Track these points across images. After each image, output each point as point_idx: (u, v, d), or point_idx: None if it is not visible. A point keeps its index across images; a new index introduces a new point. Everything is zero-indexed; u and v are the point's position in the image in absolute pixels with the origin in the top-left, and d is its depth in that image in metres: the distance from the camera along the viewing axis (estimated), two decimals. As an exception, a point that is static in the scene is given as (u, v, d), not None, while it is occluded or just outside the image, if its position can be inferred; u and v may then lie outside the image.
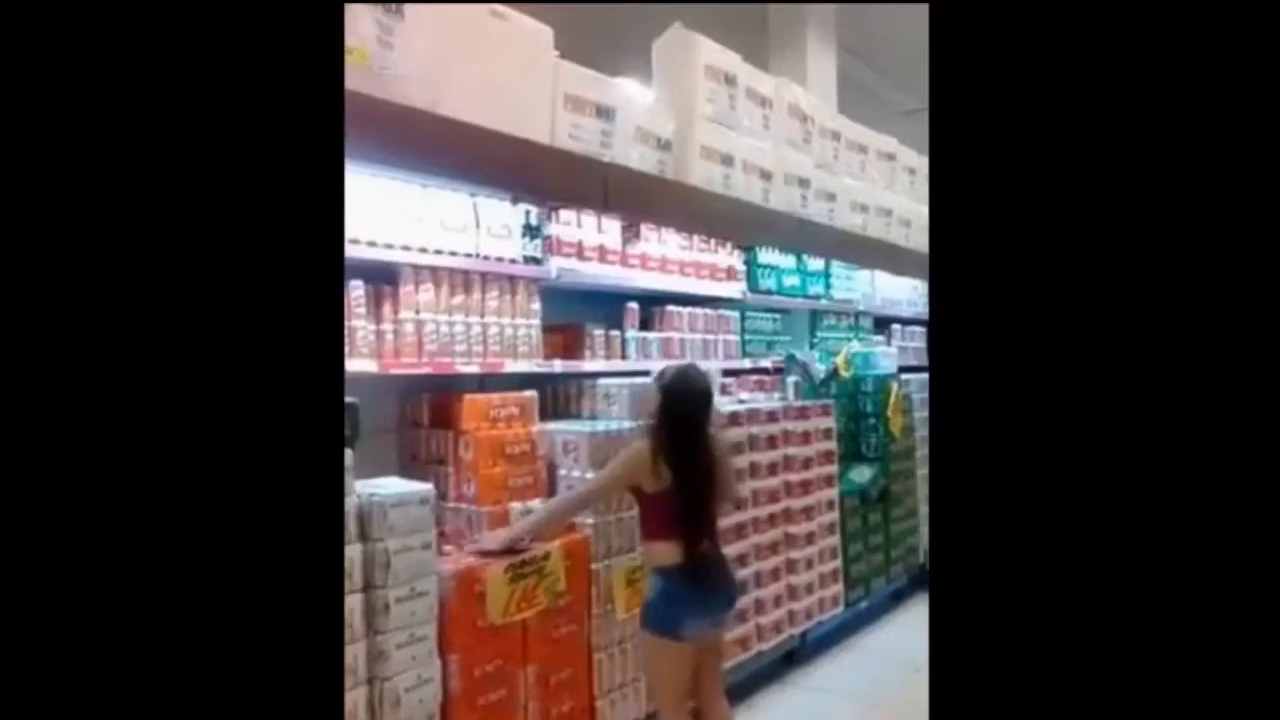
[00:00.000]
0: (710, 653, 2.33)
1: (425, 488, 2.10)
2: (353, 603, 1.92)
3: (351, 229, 2.21)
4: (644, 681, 2.62)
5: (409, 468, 2.71)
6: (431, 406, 2.72)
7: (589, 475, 2.59)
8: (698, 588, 2.19)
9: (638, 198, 2.69)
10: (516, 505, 2.52)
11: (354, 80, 1.85)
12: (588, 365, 3.03)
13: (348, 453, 1.93)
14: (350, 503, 1.93)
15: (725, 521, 2.99)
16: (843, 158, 3.85)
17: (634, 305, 3.35)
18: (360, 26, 1.88)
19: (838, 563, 3.85)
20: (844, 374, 4.09)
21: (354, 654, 1.92)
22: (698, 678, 2.28)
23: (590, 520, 2.58)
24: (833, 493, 3.85)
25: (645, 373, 3.03)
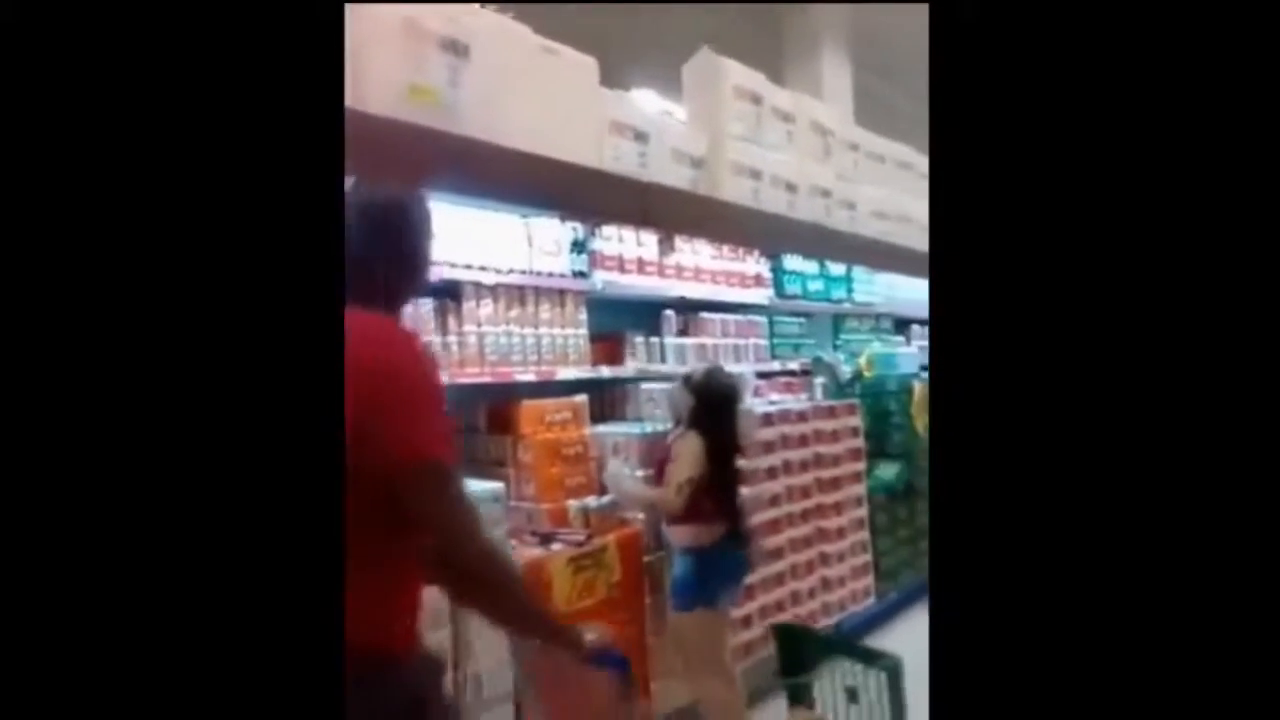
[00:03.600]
0: (726, 620, 2.61)
1: (498, 486, 2.29)
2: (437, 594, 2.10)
3: (422, 252, 2.41)
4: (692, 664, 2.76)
5: (467, 471, 2.89)
6: (489, 413, 2.91)
7: (639, 473, 2.78)
8: (727, 565, 2.47)
9: (675, 214, 2.89)
10: (573, 503, 2.70)
11: (428, 118, 2.06)
12: (630, 370, 3.22)
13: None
14: (433, 501, 2.11)
15: (761, 517, 3.18)
16: (862, 168, 4.03)
17: (670, 313, 3.54)
18: (431, 71, 2.08)
19: (868, 556, 4.01)
20: (867, 374, 4.26)
21: (439, 640, 2.10)
22: (724, 646, 2.51)
23: (641, 515, 2.77)
24: (861, 489, 4.01)
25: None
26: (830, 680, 2.38)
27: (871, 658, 2.23)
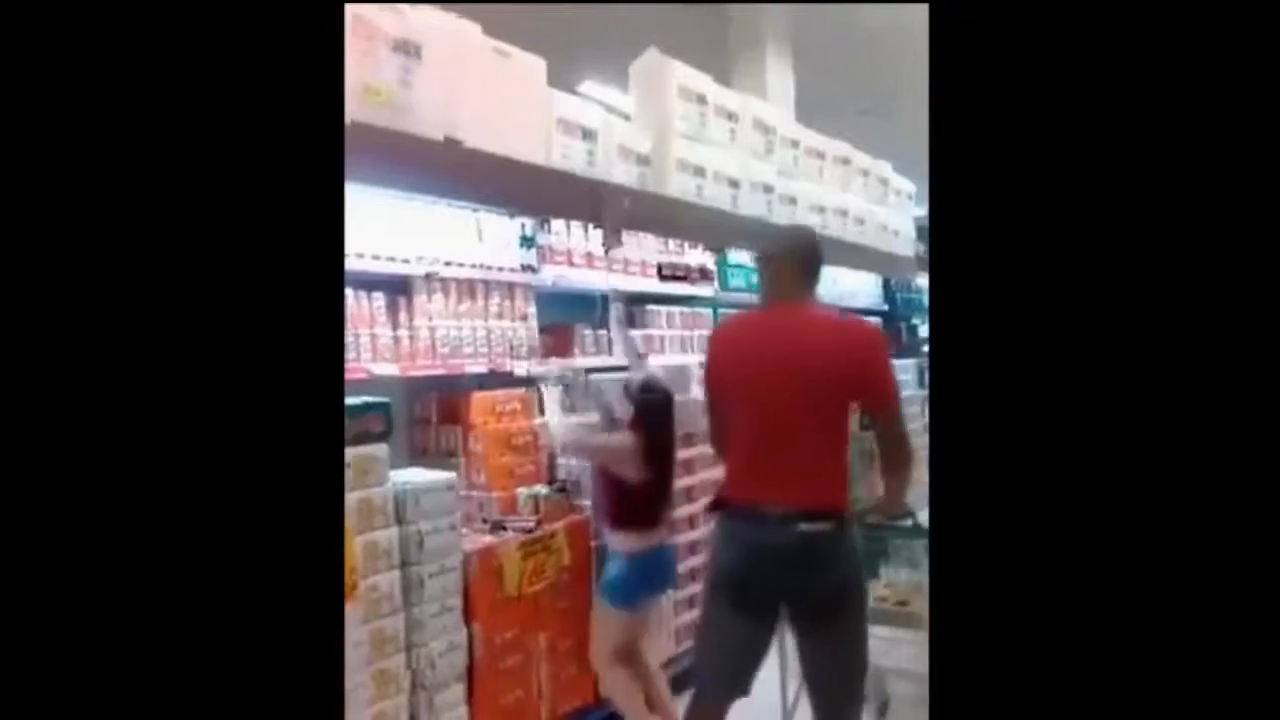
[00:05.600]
0: (650, 619, 2.78)
1: (450, 476, 2.36)
2: (392, 579, 2.18)
3: (371, 246, 2.45)
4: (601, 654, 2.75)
5: (418, 461, 2.95)
6: (440, 404, 2.97)
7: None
8: (656, 569, 2.60)
9: (623, 209, 2.98)
10: (523, 490, 2.79)
11: (379, 117, 2.11)
12: (578, 363, 3.31)
13: (383, 446, 2.18)
14: (387, 491, 2.18)
15: (694, 507, 3.30)
16: (802, 164, 4.18)
17: (618, 306, 3.63)
18: (385, 70, 2.12)
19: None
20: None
21: (395, 624, 2.18)
22: (638, 640, 2.66)
23: (588, 502, 2.87)
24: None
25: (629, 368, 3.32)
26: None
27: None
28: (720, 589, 1.96)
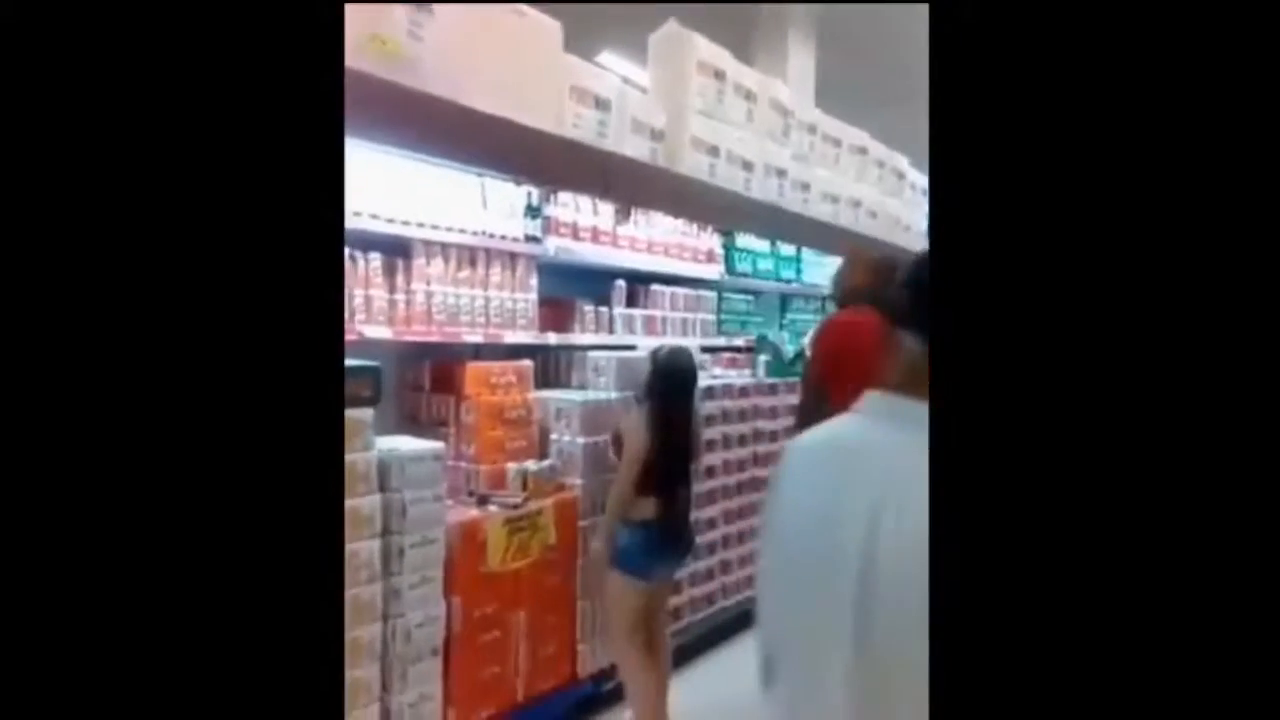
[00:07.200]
0: (662, 593, 2.70)
1: (438, 446, 2.30)
2: (372, 546, 2.13)
3: (370, 206, 2.38)
4: (604, 615, 2.80)
5: (408, 429, 2.89)
6: (433, 372, 2.91)
7: (579, 440, 2.82)
8: (668, 539, 2.53)
9: (633, 184, 2.90)
10: (513, 466, 2.73)
11: (383, 69, 2.03)
12: (578, 338, 3.24)
13: (369, 411, 2.12)
14: (371, 457, 2.13)
15: (698, 488, 3.26)
16: (818, 150, 4.08)
17: (621, 283, 3.56)
18: (393, 19, 2.04)
19: (797, 529, 4.13)
20: (810, 354, 4.36)
21: (372, 592, 2.13)
22: (649, 613, 2.59)
23: (579, 481, 2.82)
24: (795, 465, 4.12)
25: (631, 347, 3.26)
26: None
27: None
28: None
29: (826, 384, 2.65)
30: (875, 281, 2.71)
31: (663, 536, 2.51)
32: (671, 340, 3.60)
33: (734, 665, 3.42)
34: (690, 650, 3.34)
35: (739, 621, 3.76)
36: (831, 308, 5.42)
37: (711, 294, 4.12)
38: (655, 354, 2.57)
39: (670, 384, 2.51)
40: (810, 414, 2.70)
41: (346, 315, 2.36)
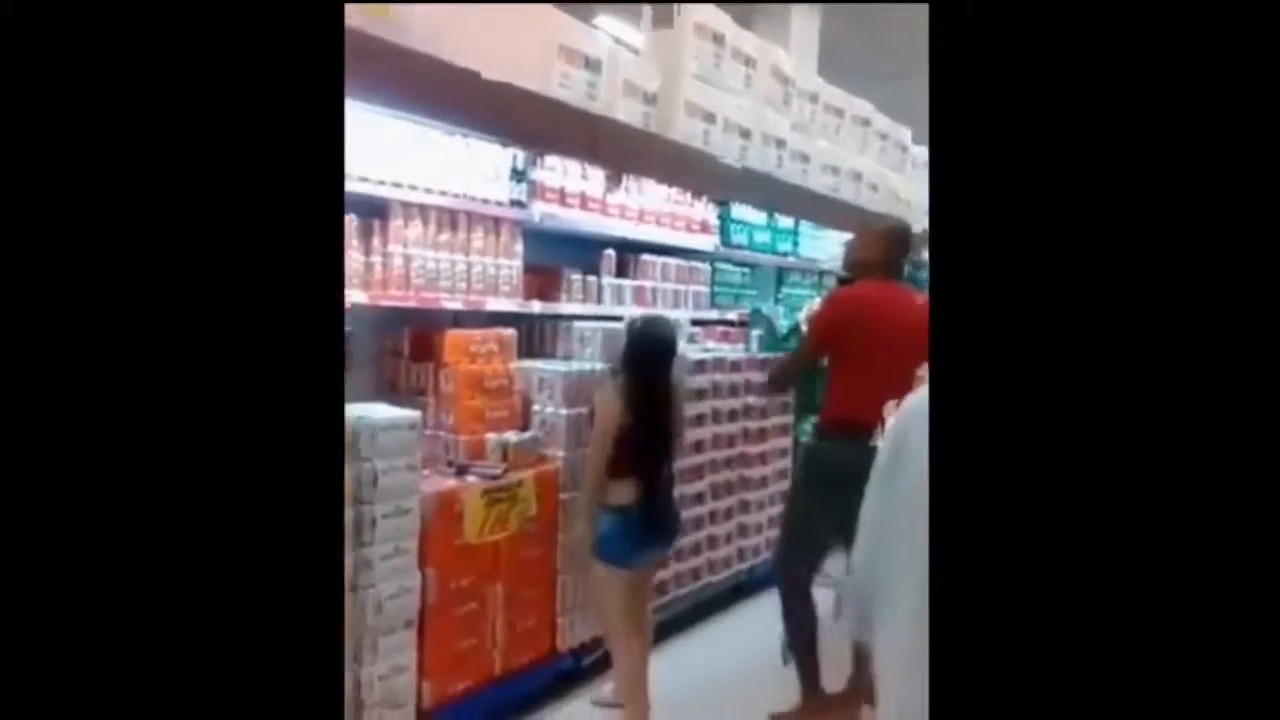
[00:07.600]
0: (649, 575, 2.62)
1: (413, 414, 2.24)
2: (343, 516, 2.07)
3: (346, 164, 2.29)
4: (594, 606, 2.74)
5: (386, 397, 2.82)
6: (413, 339, 2.84)
7: (563, 411, 2.76)
8: (649, 524, 2.36)
9: (622, 149, 2.81)
10: (492, 436, 2.67)
11: (374, 26, 1.93)
12: (564, 308, 3.17)
13: (341, 377, 2.06)
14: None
15: (685, 463, 3.20)
16: (819, 120, 3.97)
17: (610, 252, 3.48)
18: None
19: (787, 506, 4.09)
20: (805, 329, 4.28)
21: (345, 561, 2.08)
22: (637, 596, 2.48)
23: (561, 453, 2.76)
24: (786, 441, 4.07)
25: (618, 318, 3.19)
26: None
27: None
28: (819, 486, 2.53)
29: (823, 353, 2.70)
30: (888, 253, 2.62)
31: (644, 523, 2.34)
32: (663, 312, 3.52)
33: (721, 641, 3.40)
34: (674, 625, 3.31)
35: (727, 597, 3.73)
36: (830, 283, 5.37)
37: (705, 266, 4.04)
38: (631, 323, 2.43)
39: (648, 355, 2.35)
40: (788, 375, 2.98)
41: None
